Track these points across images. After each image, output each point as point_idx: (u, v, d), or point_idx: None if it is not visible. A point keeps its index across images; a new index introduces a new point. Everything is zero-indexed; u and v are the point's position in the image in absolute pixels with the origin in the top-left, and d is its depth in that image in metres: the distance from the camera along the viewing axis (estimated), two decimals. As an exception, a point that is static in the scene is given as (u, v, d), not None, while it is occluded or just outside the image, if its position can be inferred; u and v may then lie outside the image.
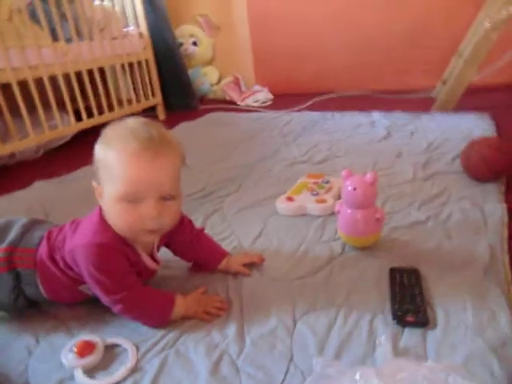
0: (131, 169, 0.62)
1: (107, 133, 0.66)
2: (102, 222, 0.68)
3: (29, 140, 1.73)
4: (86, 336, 0.66)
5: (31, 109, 1.74)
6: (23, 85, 1.69)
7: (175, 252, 0.85)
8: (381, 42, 2.56)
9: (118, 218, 0.65)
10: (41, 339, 0.69)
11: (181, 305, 0.71)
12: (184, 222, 0.82)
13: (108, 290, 0.67)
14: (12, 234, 0.72)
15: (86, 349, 0.63)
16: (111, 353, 0.65)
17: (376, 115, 1.97)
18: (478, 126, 1.65)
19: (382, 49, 2.57)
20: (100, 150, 0.65)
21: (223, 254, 0.85)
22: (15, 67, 1.63)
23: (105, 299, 0.68)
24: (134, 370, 0.62)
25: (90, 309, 0.75)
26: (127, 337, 0.68)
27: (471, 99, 2.01)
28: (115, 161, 0.62)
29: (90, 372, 0.62)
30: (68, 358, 0.63)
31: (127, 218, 0.64)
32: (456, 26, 2.25)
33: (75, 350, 0.63)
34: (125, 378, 0.60)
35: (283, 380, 0.57)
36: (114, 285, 0.67)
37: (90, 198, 0.74)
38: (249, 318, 0.70)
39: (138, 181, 0.62)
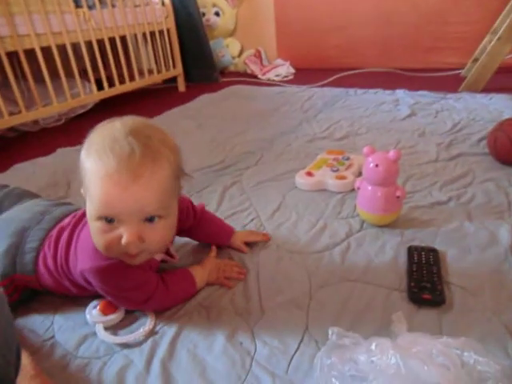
0: (105, 190, 0.53)
1: (91, 138, 0.57)
2: None
3: (52, 107, 1.75)
4: (109, 296, 0.69)
5: (54, 77, 1.75)
6: (47, 52, 1.70)
7: (187, 236, 0.84)
8: (409, 17, 2.45)
9: (94, 236, 0.58)
10: (65, 299, 0.72)
11: (202, 275, 0.72)
12: (188, 210, 0.77)
13: (132, 302, 0.66)
14: (2, 264, 0.67)
15: (108, 307, 0.66)
16: (132, 314, 0.68)
17: (400, 93, 1.92)
18: (508, 108, 1.59)
19: (410, 24, 2.46)
20: (82, 157, 0.56)
21: (231, 231, 0.84)
22: (39, 33, 1.64)
23: (133, 308, 0.68)
24: (152, 331, 0.64)
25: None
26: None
27: (502, 79, 1.93)
28: (91, 176, 0.54)
29: (112, 329, 0.65)
30: (92, 314, 0.66)
31: (104, 239, 0.56)
32: (490, 1, 2.14)
33: (99, 307, 0.66)
34: (144, 339, 0.63)
35: (297, 348, 0.59)
36: (137, 296, 0.65)
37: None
38: (265, 288, 0.72)
39: (113, 204, 0.54)
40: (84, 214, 0.66)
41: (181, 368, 0.57)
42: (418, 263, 0.73)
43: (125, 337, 0.63)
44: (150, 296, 0.65)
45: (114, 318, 0.65)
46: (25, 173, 1.32)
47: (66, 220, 0.71)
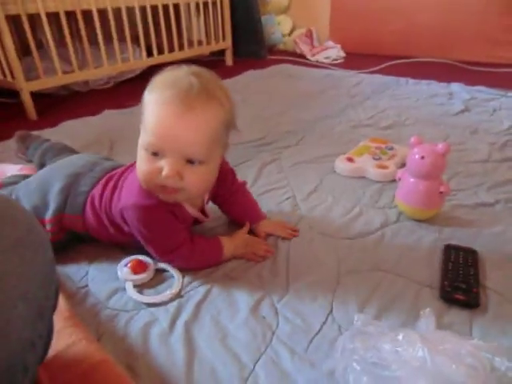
0: (159, 119, 0.57)
1: (157, 76, 0.61)
2: None
3: (102, 69, 1.80)
4: (140, 256, 0.71)
5: (107, 40, 1.79)
6: (102, 15, 1.73)
7: (220, 206, 0.83)
8: (476, 5, 2.27)
9: (139, 164, 0.62)
10: (99, 253, 0.75)
11: (229, 247, 0.73)
12: (227, 175, 0.78)
13: (159, 249, 0.68)
14: (55, 202, 0.71)
15: (138, 267, 0.68)
16: (160, 276, 0.70)
17: (455, 87, 1.82)
18: None
19: (476, 13, 2.28)
20: (146, 92, 0.61)
21: (260, 217, 0.82)
22: (97, -6, 1.67)
23: (158, 257, 0.70)
24: (178, 295, 0.66)
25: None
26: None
27: None
28: (149, 107, 0.58)
29: (140, 288, 0.67)
30: (123, 271, 0.68)
31: (146, 167, 0.60)
32: None
33: (130, 265, 0.68)
34: (170, 300, 0.65)
35: (320, 330, 0.59)
36: (165, 244, 0.68)
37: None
38: (294, 267, 0.71)
39: (163, 135, 0.57)
40: (132, 165, 0.70)
41: (203, 331, 0.59)
42: (455, 262, 0.70)
43: (152, 297, 0.65)
44: (177, 247, 0.67)
45: (143, 278, 0.68)
46: (72, 130, 1.37)
47: (114, 171, 0.75)
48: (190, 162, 0.59)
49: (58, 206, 0.71)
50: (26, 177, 0.86)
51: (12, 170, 0.94)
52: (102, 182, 0.72)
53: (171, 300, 0.65)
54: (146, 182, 0.61)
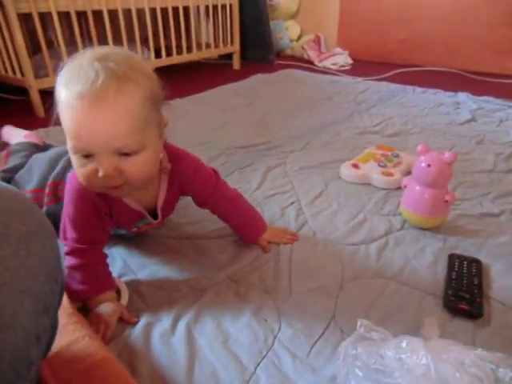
0: (73, 120, 0.50)
1: (62, 70, 0.52)
2: None
3: (111, 69, 1.80)
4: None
5: (116, 40, 1.80)
6: (113, 15, 1.74)
7: (215, 214, 0.79)
8: (484, 16, 2.28)
9: (76, 171, 0.56)
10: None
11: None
12: (207, 179, 0.73)
13: (63, 231, 0.63)
14: (56, 170, 0.75)
15: None
16: None
17: (462, 96, 1.82)
18: None
19: (485, 24, 2.29)
20: (55, 90, 0.53)
21: (260, 230, 0.78)
22: (108, -5, 1.68)
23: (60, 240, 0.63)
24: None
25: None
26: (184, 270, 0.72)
27: None
28: (61, 108, 0.52)
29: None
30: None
31: (82, 173, 0.54)
32: None
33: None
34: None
35: (322, 334, 0.58)
36: (68, 229, 0.63)
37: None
38: (297, 272, 0.71)
39: (83, 136, 0.50)
40: None
41: (205, 333, 0.59)
42: (459, 272, 0.70)
43: None
44: (74, 245, 0.62)
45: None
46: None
47: None
48: (125, 154, 0.53)
49: (59, 174, 0.74)
50: (31, 145, 0.89)
51: (17, 136, 0.96)
52: None
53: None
54: (89, 186, 0.56)
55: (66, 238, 0.63)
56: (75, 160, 0.54)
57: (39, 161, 0.80)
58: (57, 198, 0.74)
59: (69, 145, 0.53)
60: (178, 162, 0.67)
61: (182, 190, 0.72)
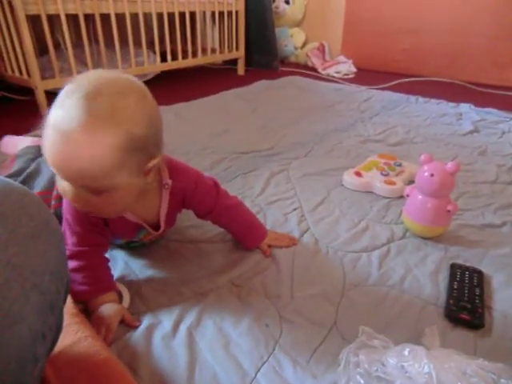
0: (46, 144, 0.50)
1: (66, 85, 0.52)
2: None
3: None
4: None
5: (123, 44, 1.82)
6: (120, 19, 1.76)
7: (215, 223, 0.79)
8: (487, 28, 2.30)
9: None
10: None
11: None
12: (205, 194, 0.73)
13: (63, 236, 0.56)
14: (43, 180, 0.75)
15: None
16: None
17: (465, 107, 1.83)
18: None
19: (488, 36, 2.31)
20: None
21: (260, 236, 0.79)
22: (116, -1, 1.70)
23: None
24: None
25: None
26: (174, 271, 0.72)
27: None
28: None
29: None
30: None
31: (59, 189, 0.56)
32: None
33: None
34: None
35: (323, 341, 0.58)
36: (68, 234, 0.63)
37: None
38: (299, 278, 0.71)
39: (50, 163, 0.51)
40: None
41: (206, 337, 0.59)
42: (460, 282, 0.70)
43: None
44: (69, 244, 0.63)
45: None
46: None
47: None
48: (92, 191, 0.53)
49: None
50: (39, 149, 0.89)
51: (24, 142, 0.95)
52: None
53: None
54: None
55: (66, 243, 0.63)
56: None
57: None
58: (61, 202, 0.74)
59: None
60: (179, 176, 0.67)
61: (183, 204, 0.72)
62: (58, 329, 0.38)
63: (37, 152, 0.89)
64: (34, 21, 1.66)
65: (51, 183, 0.75)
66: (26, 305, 0.32)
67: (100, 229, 0.65)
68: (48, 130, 0.49)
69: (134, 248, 0.78)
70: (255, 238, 0.79)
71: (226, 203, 0.76)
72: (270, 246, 0.79)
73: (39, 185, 0.77)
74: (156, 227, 0.71)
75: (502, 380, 0.43)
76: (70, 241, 0.64)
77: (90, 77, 0.52)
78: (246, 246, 0.79)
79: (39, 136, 0.98)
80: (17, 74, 1.63)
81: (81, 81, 0.51)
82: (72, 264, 0.62)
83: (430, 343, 0.54)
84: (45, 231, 0.36)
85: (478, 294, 0.68)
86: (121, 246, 0.78)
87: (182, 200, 0.71)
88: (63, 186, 0.53)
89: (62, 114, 0.48)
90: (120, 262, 0.74)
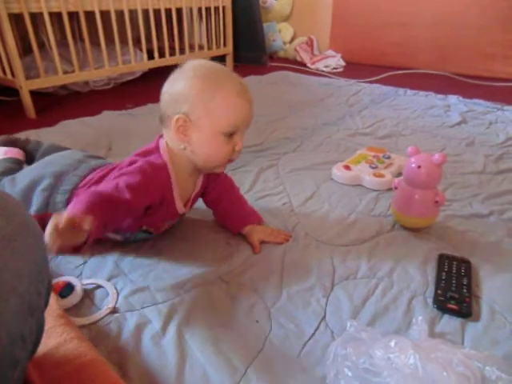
0: (236, 107, 0.66)
1: (202, 71, 0.66)
2: (164, 155, 0.70)
3: (103, 70, 1.80)
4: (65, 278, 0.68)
5: (109, 42, 1.80)
6: (105, 16, 1.74)
7: (207, 204, 0.85)
8: (476, 21, 2.31)
9: (214, 149, 0.68)
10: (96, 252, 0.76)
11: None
12: (224, 175, 0.83)
13: (116, 183, 0.64)
14: (38, 201, 0.73)
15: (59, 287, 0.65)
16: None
17: (453, 99, 1.84)
18: None
19: (476, 28, 2.32)
20: (202, 86, 0.65)
21: (244, 223, 0.81)
22: (100, -4, 1.68)
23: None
24: (113, 310, 0.63)
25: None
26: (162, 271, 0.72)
27: None
28: (221, 100, 0.65)
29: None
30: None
31: (225, 150, 0.69)
32: None
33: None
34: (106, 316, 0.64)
35: (312, 335, 0.59)
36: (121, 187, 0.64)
37: (151, 134, 0.75)
38: (288, 272, 0.72)
39: (240, 118, 0.67)
40: (119, 165, 0.72)
41: (195, 335, 0.58)
42: (448, 272, 0.71)
43: (89, 317, 0.61)
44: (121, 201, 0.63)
45: (70, 301, 0.63)
46: (71, 130, 1.37)
47: (102, 167, 0.77)
48: None
49: (41, 205, 0.73)
50: (13, 160, 0.87)
51: None
52: (87, 178, 0.74)
53: (107, 316, 0.62)
54: (220, 161, 0.70)
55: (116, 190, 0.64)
56: (221, 139, 0.67)
57: (11, 189, 0.76)
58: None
59: (223, 125, 0.66)
60: None
61: (206, 187, 0.80)
62: (38, 331, 0.37)
63: (11, 164, 0.86)
64: (17, 20, 1.63)
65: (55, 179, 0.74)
66: (3, 307, 0.31)
67: (137, 213, 0.68)
68: (238, 95, 0.66)
69: (126, 246, 0.77)
70: (251, 216, 0.83)
71: (231, 183, 0.86)
72: (263, 242, 0.79)
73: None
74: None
75: (487, 368, 0.43)
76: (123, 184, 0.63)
77: (208, 64, 0.70)
78: (242, 223, 0.81)
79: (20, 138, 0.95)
80: (0, 74, 1.60)
81: (211, 65, 0.69)
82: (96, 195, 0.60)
83: (419, 334, 0.55)
84: (23, 233, 0.36)
85: (465, 283, 0.68)
86: (123, 241, 0.78)
87: (207, 182, 0.79)
88: (232, 143, 0.68)
89: (238, 82, 0.67)
90: (109, 263, 0.73)
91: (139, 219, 0.71)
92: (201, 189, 0.78)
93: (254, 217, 0.83)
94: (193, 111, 0.65)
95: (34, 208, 0.73)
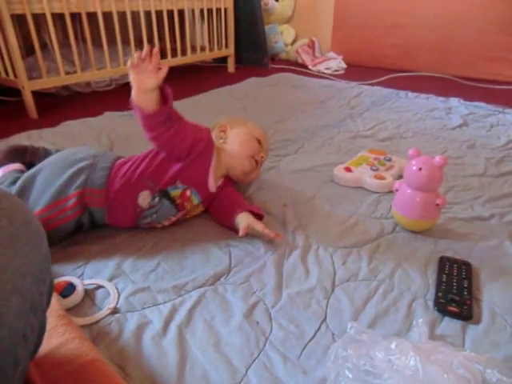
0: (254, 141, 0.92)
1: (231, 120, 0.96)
2: None
3: (105, 71, 1.80)
4: (67, 278, 0.68)
5: (111, 42, 1.80)
6: (107, 17, 1.74)
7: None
8: (476, 23, 2.31)
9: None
10: (96, 253, 0.76)
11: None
12: None
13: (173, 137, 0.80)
14: (79, 178, 0.77)
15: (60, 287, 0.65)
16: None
17: (454, 101, 1.84)
18: None
19: (477, 30, 2.32)
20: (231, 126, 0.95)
21: (236, 211, 0.82)
22: (102, -3, 1.68)
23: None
24: (115, 310, 0.63)
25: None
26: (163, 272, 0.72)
27: None
28: (244, 135, 0.92)
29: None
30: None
31: (250, 167, 0.90)
32: None
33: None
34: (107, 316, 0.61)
35: (313, 337, 0.59)
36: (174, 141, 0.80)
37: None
38: (289, 274, 0.72)
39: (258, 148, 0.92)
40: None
41: (196, 336, 0.59)
42: (449, 275, 0.71)
43: (90, 317, 0.62)
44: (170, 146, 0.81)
45: (72, 301, 0.64)
46: (72, 130, 1.37)
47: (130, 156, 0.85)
48: None
49: (82, 182, 0.77)
50: (16, 171, 0.86)
51: None
52: (123, 160, 0.83)
53: (108, 316, 0.62)
54: (248, 174, 0.91)
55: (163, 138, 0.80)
56: (248, 162, 0.90)
57: (43, 178, 0.78)
58: (82, 207, 0.77)
59: (246, 152, 0.89)
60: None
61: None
62: (40, 331, 0.37)
63: (13, 174, 0.85)
64: (19, 20, 1.64)
65: (55, 196, 0.75)
66: (5, 307, 0.31)
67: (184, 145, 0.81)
68: (254, 134, 0.93)
69: (127, 250, 0.78)
70: (244, 205, 0.85)
71: (231, 183, 0.94)
72: (249, 227, 0.78)
73: (39, 202, 0.75)
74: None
75: (488, 371, 0.43)
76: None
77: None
78: (235, 212, 0.82)
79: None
80: (3, 74, 1.61)
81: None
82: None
83: (419, 336, 0.55)
84: (25, 233, 0.36)
85: (466, 286, 0.68)
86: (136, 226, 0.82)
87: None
88: (254, 164, 0.91)
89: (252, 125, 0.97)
90: (111, 264, 0.74)
91: (181, 160, 0.81)
92: (218, 188, 0.87)
93: (249, 207, 0.84)
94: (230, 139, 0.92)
95: (74, 185, 0.76)
